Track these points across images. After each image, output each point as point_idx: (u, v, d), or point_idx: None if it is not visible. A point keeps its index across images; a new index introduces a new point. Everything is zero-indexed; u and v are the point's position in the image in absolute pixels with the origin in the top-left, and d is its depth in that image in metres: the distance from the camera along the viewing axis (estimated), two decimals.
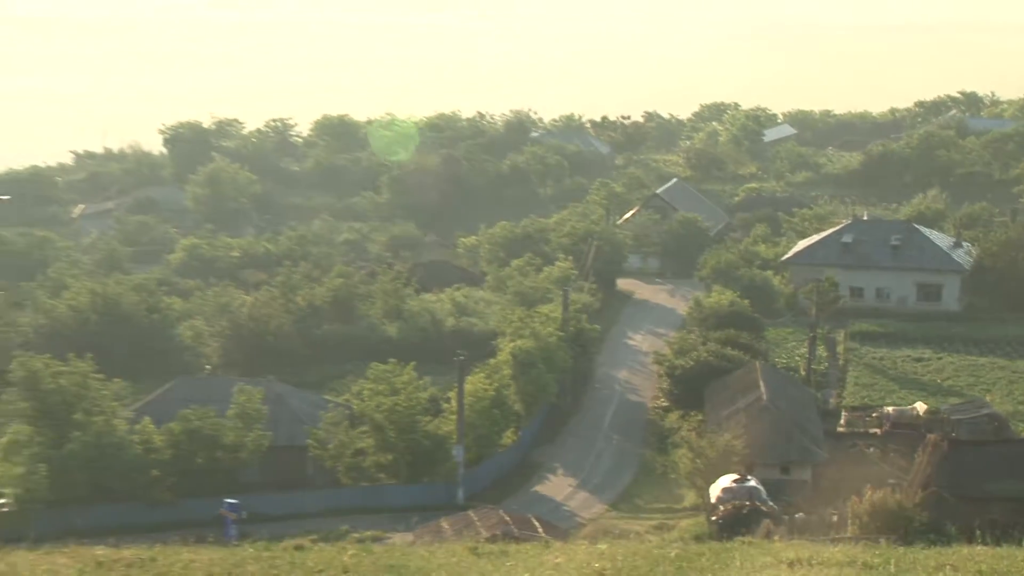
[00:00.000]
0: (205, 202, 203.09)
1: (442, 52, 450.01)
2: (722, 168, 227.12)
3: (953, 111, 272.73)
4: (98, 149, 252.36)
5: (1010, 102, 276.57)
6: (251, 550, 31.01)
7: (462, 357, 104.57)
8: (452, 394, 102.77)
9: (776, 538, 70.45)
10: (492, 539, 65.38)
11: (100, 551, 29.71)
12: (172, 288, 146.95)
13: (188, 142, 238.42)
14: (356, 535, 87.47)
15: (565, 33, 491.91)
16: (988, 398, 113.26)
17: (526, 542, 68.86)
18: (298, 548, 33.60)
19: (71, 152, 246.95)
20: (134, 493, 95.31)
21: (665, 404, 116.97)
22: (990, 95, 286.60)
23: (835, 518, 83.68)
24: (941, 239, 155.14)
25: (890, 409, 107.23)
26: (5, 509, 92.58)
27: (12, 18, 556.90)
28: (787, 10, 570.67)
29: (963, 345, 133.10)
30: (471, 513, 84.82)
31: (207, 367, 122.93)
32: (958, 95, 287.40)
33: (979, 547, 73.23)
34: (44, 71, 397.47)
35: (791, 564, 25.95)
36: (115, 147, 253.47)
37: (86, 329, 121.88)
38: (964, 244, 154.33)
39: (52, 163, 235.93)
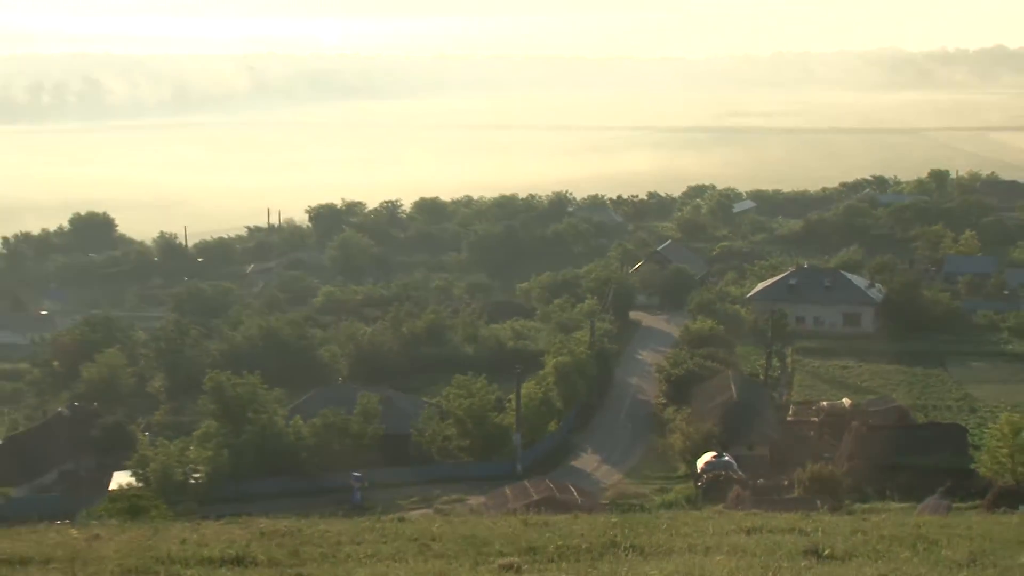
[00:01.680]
0: (338, 261, 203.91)
1: (502, 146, 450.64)
2: (703, 232, 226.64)
3: (867, 189, 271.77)
4: (264, 224, 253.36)
5: (907, 183, 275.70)
6: (367, 522, 30.93)
7: (519, 369, 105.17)
8: (512, 396, 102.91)
9: (742, 502, 70.17)
10: (540, 503, 65.19)
11: (263, 522, 29.61)
12: (315, 322, 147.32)
13: (326, 218, 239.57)
14: (445, 498, 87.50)
15: (586, 138, 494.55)
16: (894, 395, 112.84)
17: (566, 504, 68.85)
18: (400, 520, 33.30)
19: (245, 227, 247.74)
20: (289, 469, 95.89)
21: (664, 401, 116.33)
22: (894, 178, 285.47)
23: (786, 483, 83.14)
24: (860, 281, 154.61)
25: (825, 403, 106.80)
26: (200, 480, 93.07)
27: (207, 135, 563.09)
28: (745, 121, 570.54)
29: (876, 357, 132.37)
30: (526, 482, 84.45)
31: (340, 379, 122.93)
32: (871, 178, 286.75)
33: (890, 504, 72.68)
34: (224, 171, 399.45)
35: (748, 532, 25.70)
36: (276, 223, 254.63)
37: (255, 352, 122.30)
38: (876, 284, 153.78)
39: (232, 235, 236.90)
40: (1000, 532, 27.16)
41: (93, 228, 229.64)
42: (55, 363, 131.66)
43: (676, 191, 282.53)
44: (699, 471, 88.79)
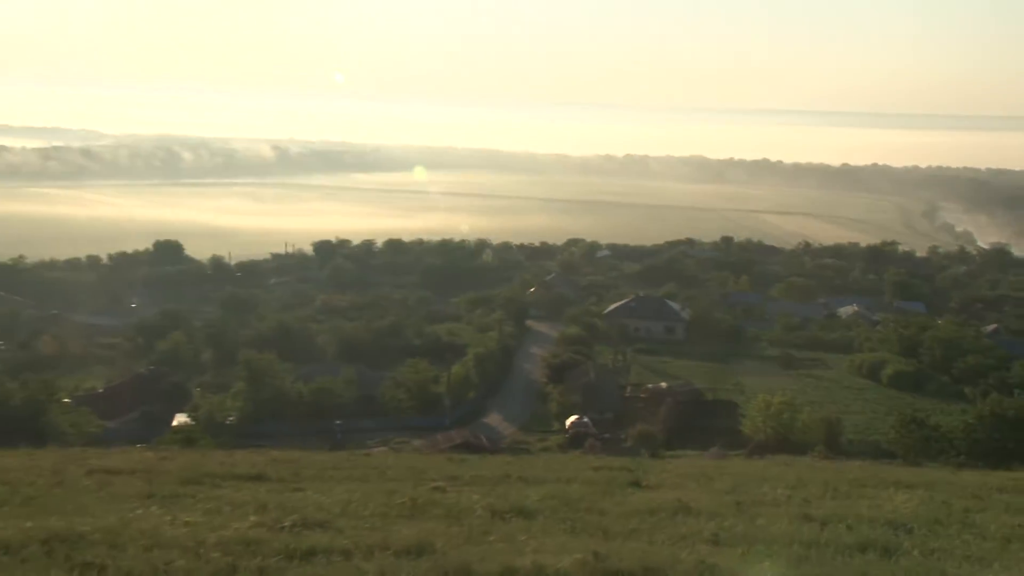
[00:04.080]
0: (331, 279, 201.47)
1: (446, 207, 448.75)
2: (576, 269, 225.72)
3: (682, 246, 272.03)
4: (282, 252, 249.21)
5: (706, 243, 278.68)
6: (343, 455, 30.93)
7: (450, 357, 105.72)
8: (445, 373, 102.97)
9: (594, 449, 70.65)
10: (460, 446, 65.31)
11: (274, 453, 29.55)
12: (314, 319, 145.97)
13: (324, 249, 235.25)
14: (397, 440, 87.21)
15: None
16: (694, 381, 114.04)
17: (478, 447, 68.89)
18: (366, 455, 33.28)
19: (270, 253, 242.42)
20: (293, 417, 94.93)
21: (546, 381, 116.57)
22: (699, 240, 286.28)
23: (623, 437, 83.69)
24: (675, 305, 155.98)
25: (650, 385, 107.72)
26: (233, 422, 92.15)
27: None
28: (606, 197, 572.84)
29: (684, 356, 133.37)
30: (452, 431, 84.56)
31: (330, 358, 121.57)
32: (684, 239, 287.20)
33: (687, 452, 73.28)
34: (257, 216, 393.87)
35: (596, 469, 26.04)
36: (290, 251, 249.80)
37: (273, 338, 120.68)
38: (686, 308, 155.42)
39: (261, 258, 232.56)
40: (753, 471, 27.94)
41: (168, 250, 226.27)
42: (139, 339, 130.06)
43: (559, 241, 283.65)
44: (567, 427, 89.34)
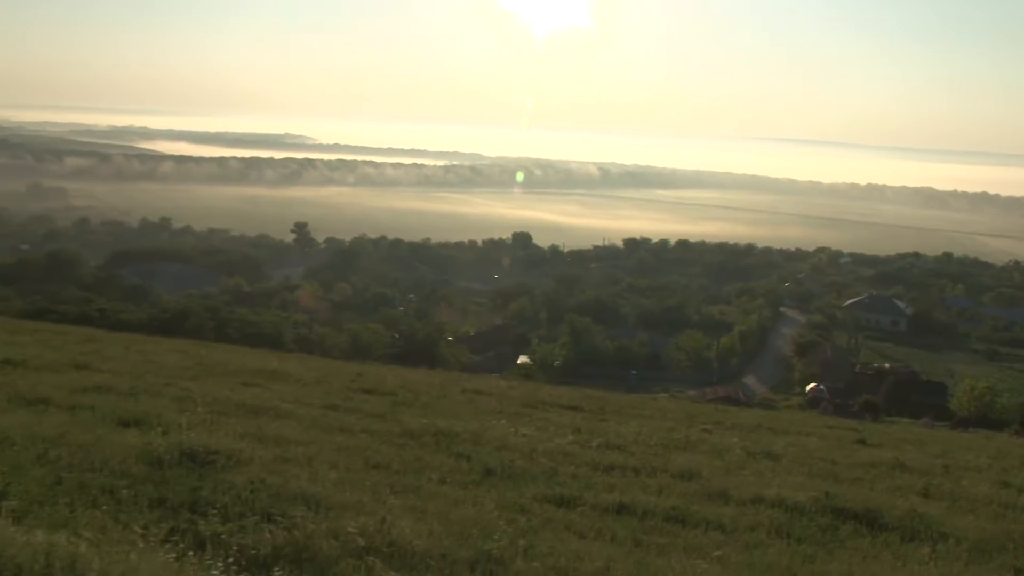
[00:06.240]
0: (635, 266, 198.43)
1: (721, 216, 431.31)
2: (822, 271, 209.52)
3: (909, 258, 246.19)
4: (600, 244, 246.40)
5: (931, 256, 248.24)
6: (637, 398, 30.93)
7: (721, 331, 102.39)
8: (714, 343, 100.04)
9: (828, 411, 66.14)
10: (723, 398, 63.41)
11: (587, 391, 30.11)
12: (619, 295, 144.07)
13: (631, 244, 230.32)
14: (675, 390, 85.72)
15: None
16: (912, 364, 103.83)
17: (737, 401, 66.61)
18: (653, 399, 33.09)
19: (592, 245, 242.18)
20: (602, 365, 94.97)
21: (792, 354, 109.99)
22: (924, 253, 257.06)
23: (852, 404, 77.68)
24: (900, 303, 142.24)
25: (876, 365, 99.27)
26: (559, 364, 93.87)
27: None
28: (849, 216, 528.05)
29: (906, 344, 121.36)
30: (718, 388, 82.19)
31: (630, 325, 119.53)
32: (911, 252, 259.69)
33: (903, 420, 66.93)
34: (581, 217, 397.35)
35: (830, 427, 24.44)
36: (605, 244, 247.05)
37: (590, 307, 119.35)
38: (909, 306, 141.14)
39: (585, 248, 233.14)
40: (958, 441, 25.31)
41: (521, 239, 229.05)
42: (498, 301, 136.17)
43: (810, 248, 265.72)
44: (807, 392, 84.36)
